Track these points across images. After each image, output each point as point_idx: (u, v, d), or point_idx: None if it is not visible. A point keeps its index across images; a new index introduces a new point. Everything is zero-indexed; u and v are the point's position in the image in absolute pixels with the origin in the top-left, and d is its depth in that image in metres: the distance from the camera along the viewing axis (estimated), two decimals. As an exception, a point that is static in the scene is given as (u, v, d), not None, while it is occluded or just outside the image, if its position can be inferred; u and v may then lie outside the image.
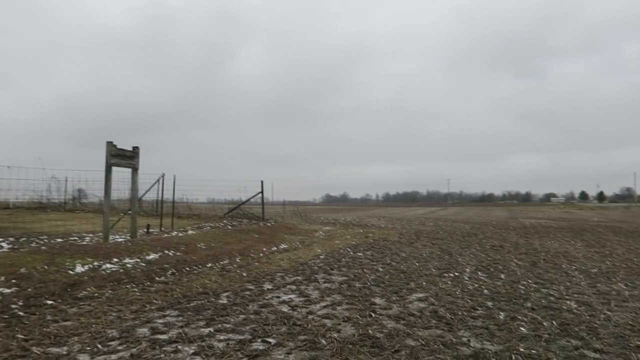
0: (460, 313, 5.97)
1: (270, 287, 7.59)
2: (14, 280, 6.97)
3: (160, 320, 5.49)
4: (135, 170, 12.04)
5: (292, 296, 6.92)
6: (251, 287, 7.56)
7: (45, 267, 8.09)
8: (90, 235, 12.30)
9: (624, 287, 7.90)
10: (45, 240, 10.79)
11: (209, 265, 9.59)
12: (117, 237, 12.02)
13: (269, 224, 17.85)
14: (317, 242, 14.33)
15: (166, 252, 10.58)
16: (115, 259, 9.32)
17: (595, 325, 5.49)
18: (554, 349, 4.65)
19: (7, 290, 6.66)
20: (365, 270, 9.29)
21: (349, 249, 12.79)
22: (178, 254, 10.59)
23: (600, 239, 16.79)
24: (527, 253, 12.24)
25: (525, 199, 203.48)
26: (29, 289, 6.75)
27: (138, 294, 6.92)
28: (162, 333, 4.99)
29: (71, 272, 8.15)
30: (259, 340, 4.81)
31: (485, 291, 7.37)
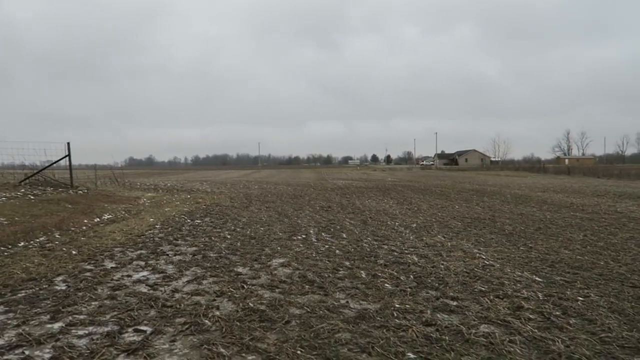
0: (326, 275, 6.09)
1: (113, 265, 6.65)
2: None
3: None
4: None
5: (144, 273, 6.18)
6: (89, 266, 6.52)
7: None
8: None
9: (442, 238, 9.06)
10: None
11: (22, 244, 7.95)
12: None
13: (81, 192, 15.67)
14: (146, 211, 13.14)
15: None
16: None
17: (441, 275, 6.16)
18: (421, 302, 5.05)
19: None
20: (213, 238, 8.85)
21: (184, 217, 12.04)
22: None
23: (404, 196, 19.12)
24: (355, 212, 13.20)
25: (327, 161, 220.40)
26: None
27: None
28: (-5, 338, 3.92)
29: None
30: (130, 330, 4.14)
31: (337, 251, 7.68)
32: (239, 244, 8.29)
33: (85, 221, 10.71)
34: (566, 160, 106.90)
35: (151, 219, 11.39)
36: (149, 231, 9.68)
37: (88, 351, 3.67)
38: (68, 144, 16.24)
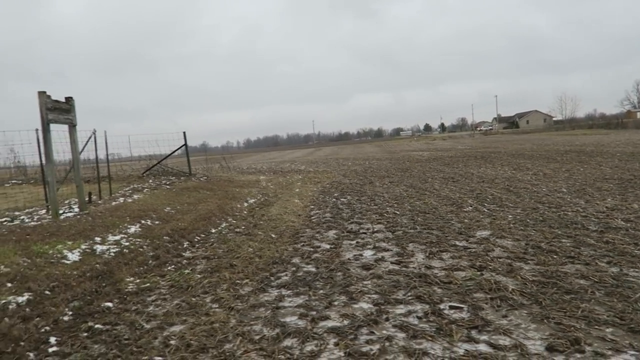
0: (557, 245, 5.89)
1: (327, 245, 6.75)
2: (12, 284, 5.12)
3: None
4: (73, 126, 9.64)
5: (370, 253, 6.22)
6: (307, 247, 6.65)
7: (27, 259, 6.13)
8: (20, 212, 9.75)
9: (618, 200, 8.61)
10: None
11: (213, 230, 8.24)
12: (61, 210, 9.68)
13: (203, 179, 16.17)
14: (281, 193, 13.38)
15: (143, 222, 8.86)
16: (97, 238, 7.49)
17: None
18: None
19: (20, 299, 4.86)
20: (384, 215, 8.83)
21: (323, 196, 12.18)
22: (157, 222, 8.94)
23: (509, 162, 18.47)
24: (487, 182, 12.85)
25: (378, 134, 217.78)
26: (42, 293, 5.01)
27: (216, 273, 5.56)
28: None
29: (67, 261, 6.31)
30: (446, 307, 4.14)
31: (529, 220, 7.45)
32: (419, 218, 8.22)
33: (238, 206, 11.01)
34: (638, 114, 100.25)
35: (296, 200, 11.57)
36: (311, 212, 9.80)
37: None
38: (184, 133, 16.73)
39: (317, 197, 12.06)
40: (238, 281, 5.23)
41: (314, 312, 4.19)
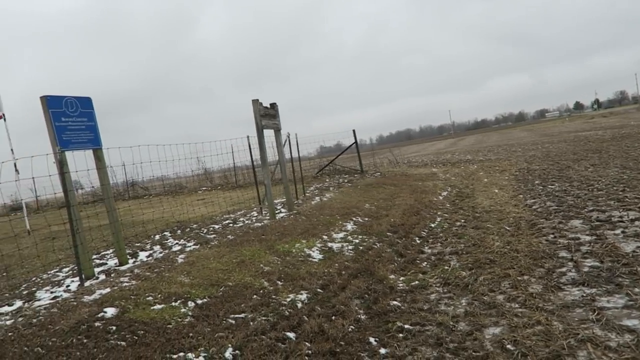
0: None
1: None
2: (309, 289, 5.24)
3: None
4: (278, 131, 10.09)
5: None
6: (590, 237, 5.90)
7: (278, 258, 6.36)
8: (233, 215, 10.49)
9: None
10: (201, 230, 8.95)
11: (434, 224, 7.89)
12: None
13: (377, 175, 16.10)
14: (471, 184, 12.66)
15: (354, 219, 8.87)
16: (324, 236, 7.60)
17: None
18: None
19: (301, 297, 4.95)
20: None
21: (527, 183, 11.17)
22: (367, 219, 8.88)
23: None
24: None
25: (519, 118, 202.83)
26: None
27: (481, 270, 5.20)
28: None
29: (314, 259, 6.43)
30: None
31: None
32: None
33: (435, 199, 10.59)
34: None
35: (496, 190, 10.79)
36: (527, 201, 8.97)
37: None
38: (354, 131, 16.83)
39: (518, 185, 11.09)
40: (518, 278, 4.74)
41: (631, 302, 3.54)
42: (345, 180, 15.19)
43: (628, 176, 9.90)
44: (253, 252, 6.63)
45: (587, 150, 16.83)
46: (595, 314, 3.69)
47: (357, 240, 7.32)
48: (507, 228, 6.99)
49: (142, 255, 7.21)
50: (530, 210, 8.07)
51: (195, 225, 9.49)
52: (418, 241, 6.99)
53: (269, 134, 9.93)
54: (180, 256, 6.76)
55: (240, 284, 5.36)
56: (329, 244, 7.16)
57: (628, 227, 6.09)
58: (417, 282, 5.08)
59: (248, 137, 10.04)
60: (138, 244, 8.03)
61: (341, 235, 7.79)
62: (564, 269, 4.86)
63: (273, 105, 9.89)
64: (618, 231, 5.98)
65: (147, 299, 4.83)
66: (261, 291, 5.20)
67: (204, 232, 8.72)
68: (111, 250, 7.73)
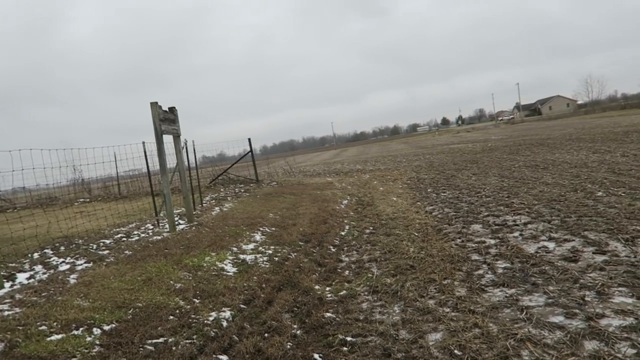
0: None
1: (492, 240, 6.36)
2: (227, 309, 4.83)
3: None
4: (178, 137, 9.42)
5: (550, 245, 5.81)
6: (493, 240, 6.25)
7: (188, 273, 5.86)
8: (125, 228, 9.53)
9: None
10: (90, 246, 7.97)
11: (346, 227, 7.89)
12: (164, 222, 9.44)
13: (273, 185, 15.89)
14: (373, 193, 13.00)
15: (261, 229, 8.58)
16: (234, 248, 7.22)
17: None
18: None
19: (224, 314, 4.55)
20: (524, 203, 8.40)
21: (421, 191, 11.76)
22: (274, 229, 8.65)
23: (583, 146, 17.82)
24: (577, 167, 12.31)
25: (394, 131, 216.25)
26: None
27: (403, 275, 5.21)
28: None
29: (228, 273, 6.02)
30: None
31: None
32: (558, 206, 7.77)
33: (337, 208, 10.69)
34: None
35: (394, 198, 11.20)
36: (426, 208, 9.42)
37: None
38: (249, 139, 16.49)
39: (413, 194, 11.65)
40: (443, 282, 4.86)
41: (577, 310, 3.80)
42: (242, 190, 14.75)
43: (507, 184, 10.91)
44: (159, 268, 6.02)
45: (465, 161, 18.37)
46: (524, 313, 3.87)
47: (270, 251, 7.03)
48: (416, 234, 7.22)
49: (22, 278, 6.17)
50: (432, 217, 8.46)
51: (81, 241, 8.43)
52: (333, 250, 6.91)
53: (167, 139, 9.22)
54: (71, 276, 5.90)
55: (152, 305, 4.79)
56: (241, 256, 6.78)
57: (523, 230, 6.62)
58: (344, 291, 4.96)
59: (144, 142, 9.24)
60: (13, 265, 6.87)
61: (251, 246, 7.44)
62: (480, 271, 5.09)
63: (172, 110, 9.23)
64: (516, 234, 6.47)
65: (40, 328, 4.08)
66: (177, 311, 4.69)
67: (94, 248, 7.77)
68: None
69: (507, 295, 4.34)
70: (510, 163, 15.37)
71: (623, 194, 8.05)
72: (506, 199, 9.15)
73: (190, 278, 5.73)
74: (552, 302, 4.01)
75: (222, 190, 15.45)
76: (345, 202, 11.60)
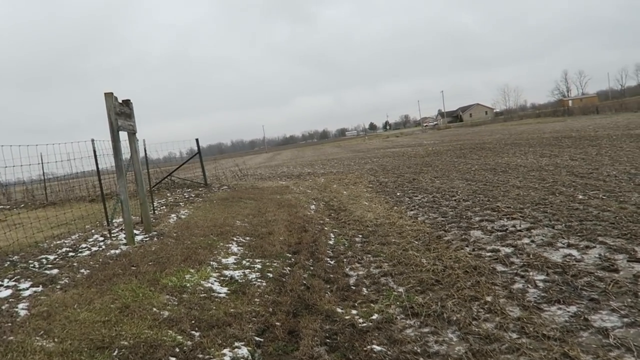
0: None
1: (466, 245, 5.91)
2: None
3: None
4: (134, 134, 8.19)
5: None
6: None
7: (171, 297, 4.87)
8: (57, 242, 8.14)
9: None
10: (29, 264, 6.59)
11: (332, 237, 7.16)
12: (123, 234, 8.15)
13: (224, 189, 14.77)
14: (335, 197, 12.33)
15: (235, 239, 7.63)
16: (213, 262, 6.24)
17: None
18: None
19: (240, 351, 3.65)
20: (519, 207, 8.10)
21: (391, 195, 11.27)
22: (248, 238, 7.74)
23: (524, 151, 18.38)
24: (535, 170, 12.47)
25: (323, 135, 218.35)
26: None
27: (432, 293, 4.54)
28: None
29: (220, 294, 5.06)
30: None
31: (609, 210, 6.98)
32: (549, 210, 7.55)
33: (308, 214, 9.93)
34: (570, 102, 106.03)
35: (365, 203, 10.62)
36: (408, 213, 8.91)
37: None
38: (197, 140, 15.28)
39: (384, 198, 11.14)
40: (487, 300, 4.27)
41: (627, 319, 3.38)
42: (193, 195, 13.52)
43: (478, 187, 10.71)
44: (134, 291, 4.94)
45: (417, 164, 18.28)
46: (610, 338, 3.35)
47: (257, 265, 6.13)
48: (416, 242, 6.65)
49: (-54, 310, 4.81)
50: (420, 223, 7.95)
51: (16, 257, 7.00)
52: (332, 262, 6.14)
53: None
54: (19, 306, 4.67)
55: (142, 342, 3.77)
56: (226, 272, 5.83)
57: (531, 236, 6.25)
58: (376, 315, 4.23)
59: (93, 140, 7.93)
60: None
61: (231, 259, 6.49)
62: (519, 285, 4.58)
63: (127, 103, 8.01)
64: (526, 240, 6.08)
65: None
66: (178, 349, 3.72)
67: (35, 266, 6.43)
68: None
69: (571, 314, 3.82)
70: (465, 167, 15.39)
71: (604, 197, 8.00)
72: (488, 202, 8.86)
73: (177, 303, 4.73)
74: (632, 322, 3.54)
75: (169, 195, 14.09)
76: (312, 207, 10.84)
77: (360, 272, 5.60)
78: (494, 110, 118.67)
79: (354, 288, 5.02)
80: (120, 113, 7.39)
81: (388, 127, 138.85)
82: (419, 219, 8.30)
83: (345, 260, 6.17)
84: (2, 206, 14.71)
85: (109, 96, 7.09)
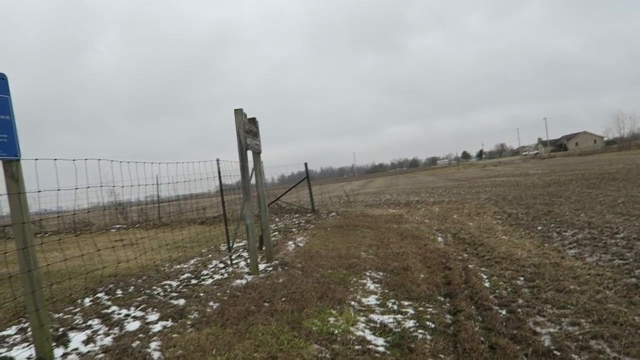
0: None
1: None
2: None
3: None
4: (258, 154, 7.68)
5: None
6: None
7: (321, 347, 3.96)
8: (177, 267, 7.71)
9: None
10: (153, 290, 6.12)
11: (492, 277, 5.95)
12: (242, 261, 7.56)
13: (334, 215, 14.01)
14: (462, 228, 11.06)
15: (369, 274, 6.68)
16: (352, 302, 5.31)
17: None
18: None
19: None
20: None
21: (533, 231, 9.78)
22: (382, 274, 6.74)
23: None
24: None
25: (413, 164, 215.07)
26: None
27: None
28: None
29: (378, 347, 4.09)
30: None
31: None
32: None
33: (439, 247, 8.74)
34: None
35: (503, 237, 9.22)
36: (561, 249, 7.44)
37: None
38: (306, 164, 14.77)
39: (525, 232, 9.65)
40: None
41: None
42: (303, 221, 12.90)
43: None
44: (275, 336, 4.13)
45: (542, 195, 16.33)
46: None
47: (409, 310, 5.10)
48: (607, 292, 5.24)
49: (76, 341, 4.32)
50: (593, 265, 6.48)
51: (139, 281, 6.61)
52: (503, 312, 4.95)
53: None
54: (151, 344, 4.03)
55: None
56: (373, 317, 4.88)
57: None
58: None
59: (218, 160, 7.50)
60: (61, 316, 5.04)
61: (373, 300, 5.53)
62: None
63: (254, 121, 7.52)
64: None
65: None
66: None
67: (160, 293, 5.93)
68: (16, 329, 4.68)
69: None
70: (606, 198, 13.31)
71: None
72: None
73: (330, 357, 3.83)
74: None
75: (277, 220, 13.62)
76: (440, 239, 9.66)
77: (551, 330, 4.36)
78: (604, 139, 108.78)
79: (557, 354, 3.80)
80: (249, 131, 6.87)
81: (483, 156, 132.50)
82: (587, 260, 6.82)
83: (519, 310, 4.95)
84: (119, 225, 15.11)
85: (238, 113, 6.59)
